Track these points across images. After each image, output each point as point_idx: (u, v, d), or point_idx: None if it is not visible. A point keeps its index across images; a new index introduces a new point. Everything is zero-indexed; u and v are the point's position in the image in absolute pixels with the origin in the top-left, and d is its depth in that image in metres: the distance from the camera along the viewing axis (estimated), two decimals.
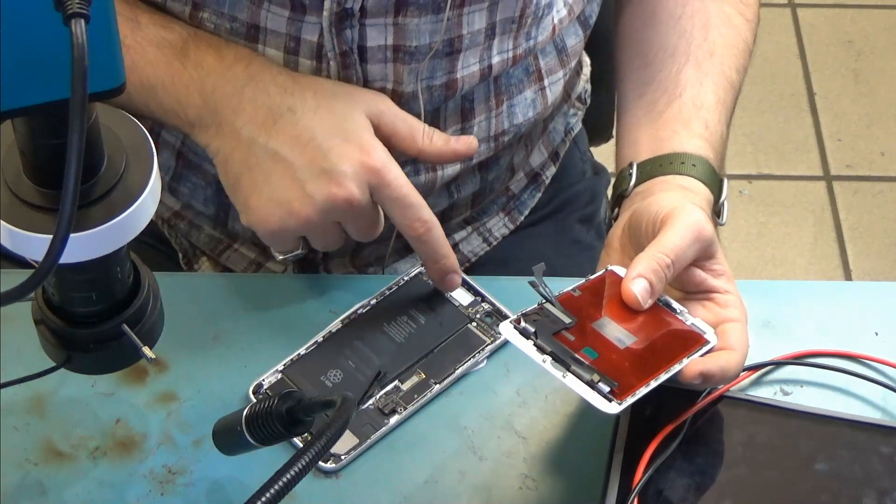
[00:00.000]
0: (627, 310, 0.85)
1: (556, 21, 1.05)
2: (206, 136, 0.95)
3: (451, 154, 0.98)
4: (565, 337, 0.82)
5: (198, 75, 0.95)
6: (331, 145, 0.92)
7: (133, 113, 0.98)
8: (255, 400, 0.90)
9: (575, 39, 1.11)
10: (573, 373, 0.80)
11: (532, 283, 0.84)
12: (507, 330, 0.83)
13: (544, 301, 0.84)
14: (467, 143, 0.98)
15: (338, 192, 0.91)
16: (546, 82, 1.10)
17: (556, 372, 0.80)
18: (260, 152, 0.93)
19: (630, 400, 0.79)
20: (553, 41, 1.09)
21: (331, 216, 0.92)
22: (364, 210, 0.92)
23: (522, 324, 0.82)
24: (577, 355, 0.81)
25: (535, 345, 0.82)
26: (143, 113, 0.98)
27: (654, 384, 0.81)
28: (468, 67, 1.01)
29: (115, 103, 0.66)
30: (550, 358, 0.81)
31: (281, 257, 0.97)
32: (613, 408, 0.78)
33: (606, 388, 0.79)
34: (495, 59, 1.02)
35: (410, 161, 1.05)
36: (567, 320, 0.83)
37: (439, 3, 0.96)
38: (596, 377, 0.79)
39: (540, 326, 0.83)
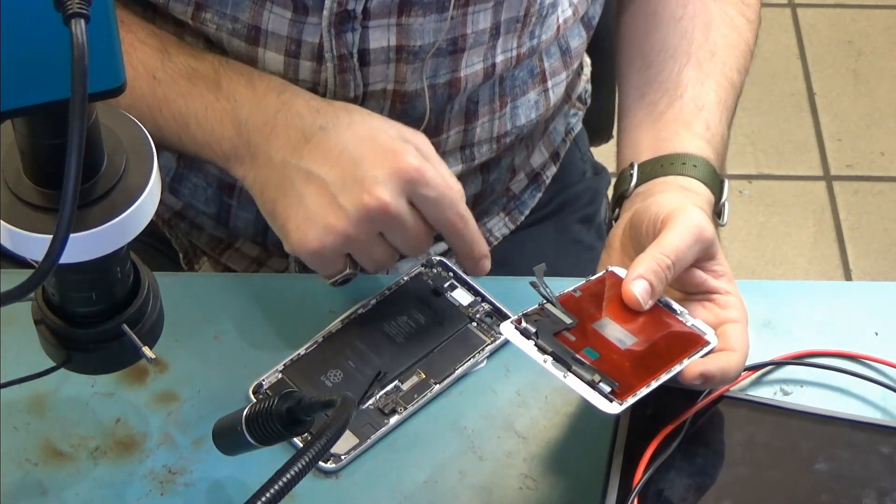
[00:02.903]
0: (628, 311, 0.85)
1: (560, 21, 1.05)
2: (242, 168, 0.94)
3: (462, 237, 0.94)
4: (566, 337, 0.82)
5: (230, 106, 0.94)
6: (361, 154, 0.90)
7: (165, 147, 0.98)
8: (255, 400, 0.90)
9: (578, 41, 1.11)
10: (574, 373, 0.80)
11: (533, 284, 0.84)
12: (508, 330, 0.83)
13: (545, 301, 0.84)
14: (484, 266, 0.95)
15: (369, 200, 0.88)
16: (549, 84, 1.10)
17: (557, 372, 0.80)
18: (293, 174, 0.91)
19: (631, 400, 0.79)
20: (557, 42, 1.09)
21: (368, 227, 0.90)
22: (403, 217, 0.90)
23: (523, 324, 0.82)
24: (577, 355, 0.81)
25: (535, 345, 0.82)
26: (175, 147, 0.97)
27: (654, 384, 0.81)
28: (472, 66, 1.01)
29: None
30: (551, 358, 0.81)
31: (329, 282, 0.94)
32: (614, 408, 0.78)
33: (607, 389, 0.79)
34: (499, 58, 1.02)
35: None
36: (568, 321, 0.83)
37: (444, 2, 0.96)
38: (597, 377, 0.79)
39: (541, 327, 0.83)
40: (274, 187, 0.92)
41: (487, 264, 0.95)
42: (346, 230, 0.89)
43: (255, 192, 0.94)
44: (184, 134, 0.95)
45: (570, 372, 0.80)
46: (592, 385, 0.79)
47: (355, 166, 0.89)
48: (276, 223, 0.93)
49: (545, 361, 0.81)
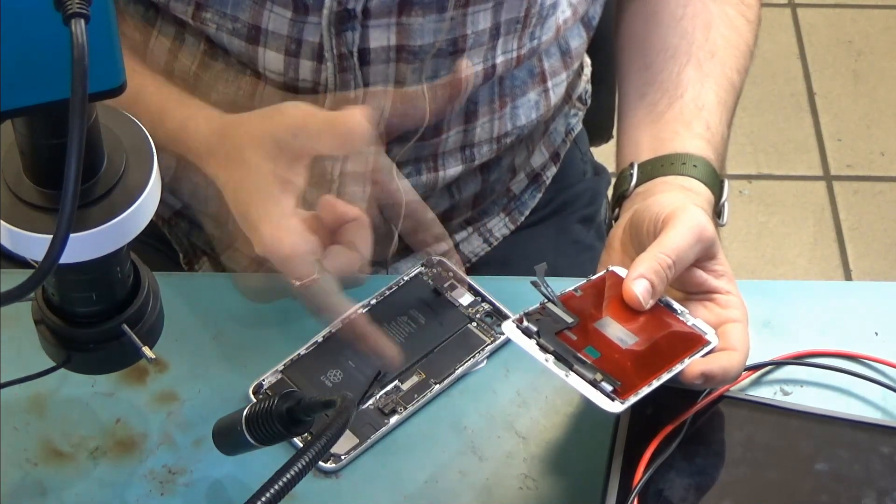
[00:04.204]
0: (629, 310, 0.85)
1: (560, 22, 1.05)
2: (214, 165, 0.94)
3: (458, 86, 0.96)
4: (567, 336, 0.82)
5: (206, 103, 0.95)
6: (333, 165, 0.91)
7: None
8: (255, 400, 0.90)
9: (578, 41, 1.11)
10: (576, 372, 0.80)
11: (534, 283, 0.84)
12: (509, 329, 0.83)
13: (546, 300, 0.84)
14: (462, 68, 0.96)
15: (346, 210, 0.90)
16: (549, 84, 1.10)
17: (559, 371, 0.80)
18: (270, 179, 0.91)
19: (633, 399, 0.79)
20: (557, 42, 1.09)
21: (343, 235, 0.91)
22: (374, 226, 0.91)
23: (525, 323, 0.82)
24: (579, 354, 0.81)
25: (537, 344, 0.82)
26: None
27: (656, 384, 0.81)
28: (472, 67, 1.01)
29: None
30: (553, 357, 0.81)
31: (298, 283, 0.94)
32: (616, 407, 0.78)
33: (609, 388, 0.79)
34: (499, 59, 1.02)
35: (412, 161, 1.05)
36: (569, 320, 0.83)
37: (444, 2, 0.96)
38: (599, 376, 0.79)
39: (542, 326, 0.83)
40: (248, 191, 0.92)
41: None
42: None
43: (227, 191, 0.94)
44: (159, 129, 0.95)
45: (572, 371, 0.80)
46: (594, 384, 0.79)
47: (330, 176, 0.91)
48: (247, 224, 0.93)
49: (547, 360, 0.81)
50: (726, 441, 0.88)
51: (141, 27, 0.99)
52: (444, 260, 1.00)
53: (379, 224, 0.93)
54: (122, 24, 0.98)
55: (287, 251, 0.91)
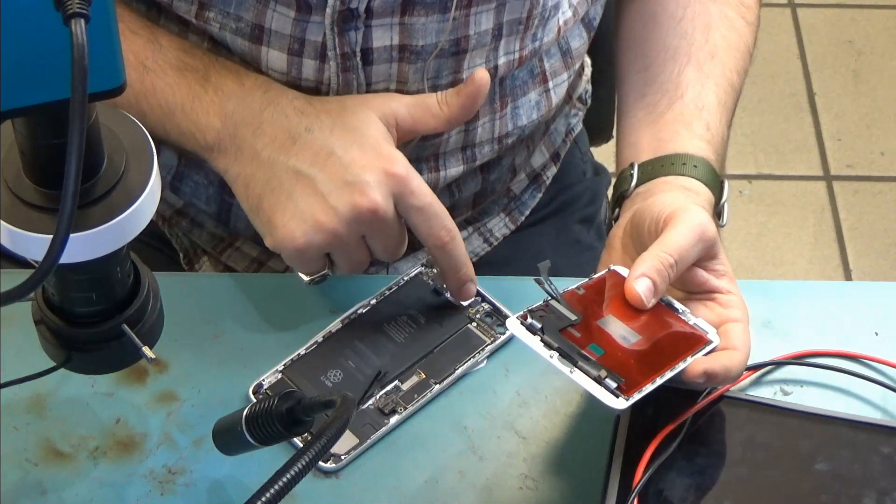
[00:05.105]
0: (631, 309, 0.86)
1: (561, 23, 1.05)
2: (224, 160, 0.95)
3: (473, 97, 0.96)
4: (571, 333, 0.82)
5: (218, 99, 0.95)
6: (351, 158, 0.91)
7: None
8: (255, 400, 0.90)
9: (579, 41, 1.11)
10: (580, 369, 0.80)
11: (538, 280, 0.84)
12: (514, 325, 0.83)
13: (550, 298, 0.84)
14: (477, 78, 0.96)
15: (361, 201, 0.90)
16: (550, 84, 1.10)
17: (564, 367, 0.80)
18: (281, 171, 0.92)
19: (637, 396, 0.79)
20: (558, 43, 1.09)
21: (357, 228, 0.91)
22: (389, 222, 0.91)
23: (529, 320, 0.83)
24: (583, 351, 0.81)
25: (542, 340, 0.82)
26: (158, 136, 0.97)
27: (659, 381, 0.81)
28: (474, 68, 1.01)
29: None
30: (557, 354, 0.81)
31: (307, 279, 0.96)
32: (621, 403, 0.78)
33: (614, 384, 0.79)
34: (501, 60, 1.02)
35: (413, 160, 1.05)
36: (573, 317, 0.84)
37: (446, 2, 0.96)
38: (603, 373, 0.79)
39: (546, 323, 0.83)
40: (261, 183, 0.93)
41: (473, 289, 0.96)
42: (336, 229, 0.91)
43: (238, 185, 0.95)
44: (168, 123, 0.96)
45: (577, 367, 0.80)
46: (599, 381, 0.79)
47: (345, 169, 0.91)
48: (259, 218, 0.94)
49: (552, 357, 0.81)
50: (726, 441, 0.88)
51: (150, 25, 0.99)
52: None
53: (394, 223, 0.93)
54: (130, 21, 0.98)
55: (299, 244, 0.92)
